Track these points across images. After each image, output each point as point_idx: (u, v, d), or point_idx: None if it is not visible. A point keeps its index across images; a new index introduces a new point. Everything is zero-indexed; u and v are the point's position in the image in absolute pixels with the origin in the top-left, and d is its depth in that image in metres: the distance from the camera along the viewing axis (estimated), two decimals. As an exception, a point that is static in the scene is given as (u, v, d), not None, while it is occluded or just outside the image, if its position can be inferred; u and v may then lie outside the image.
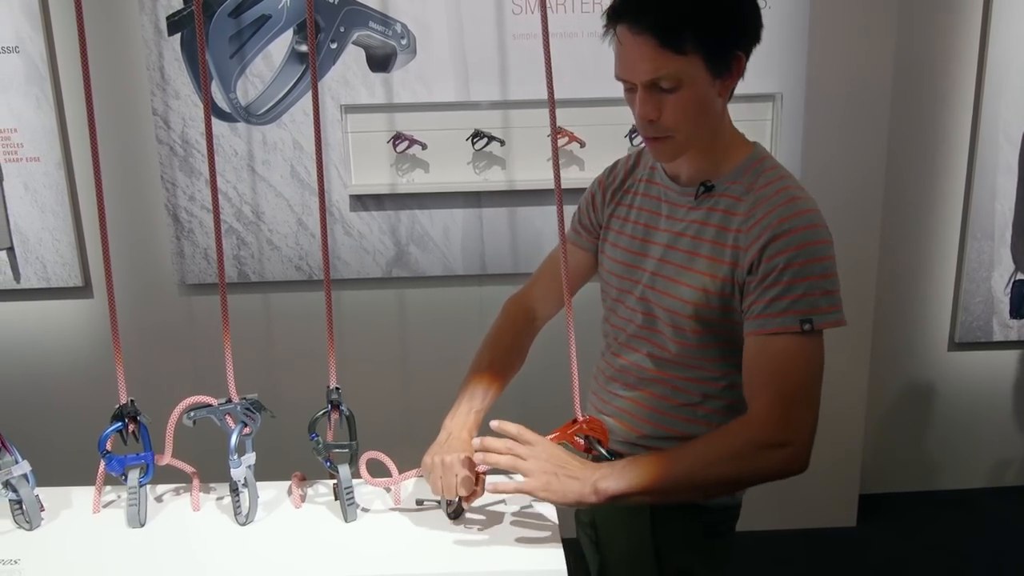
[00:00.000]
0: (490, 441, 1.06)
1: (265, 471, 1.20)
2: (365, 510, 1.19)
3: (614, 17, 1.02)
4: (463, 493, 1.11)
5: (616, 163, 1.30)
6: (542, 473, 1.01)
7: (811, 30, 2.13)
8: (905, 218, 2.53)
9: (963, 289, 2.60)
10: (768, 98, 2.15)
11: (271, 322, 2.31)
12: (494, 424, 1.09)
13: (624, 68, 1.03)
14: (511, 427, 1.07)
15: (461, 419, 1.19)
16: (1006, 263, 2.57)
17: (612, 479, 1.01)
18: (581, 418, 1.13)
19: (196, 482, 1.23)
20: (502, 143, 2.17)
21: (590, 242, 1.31)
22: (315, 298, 2.27)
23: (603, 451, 1.10)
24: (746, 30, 1.02)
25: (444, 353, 2.34)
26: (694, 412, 1.14)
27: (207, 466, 1.27)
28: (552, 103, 1.14)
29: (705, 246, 1.08)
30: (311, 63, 1.21)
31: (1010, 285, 2.59)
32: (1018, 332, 2.63)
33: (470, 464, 1.11)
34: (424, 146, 2.17)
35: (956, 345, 2.67)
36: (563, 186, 2.09)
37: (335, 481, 1.17)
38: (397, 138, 2.16)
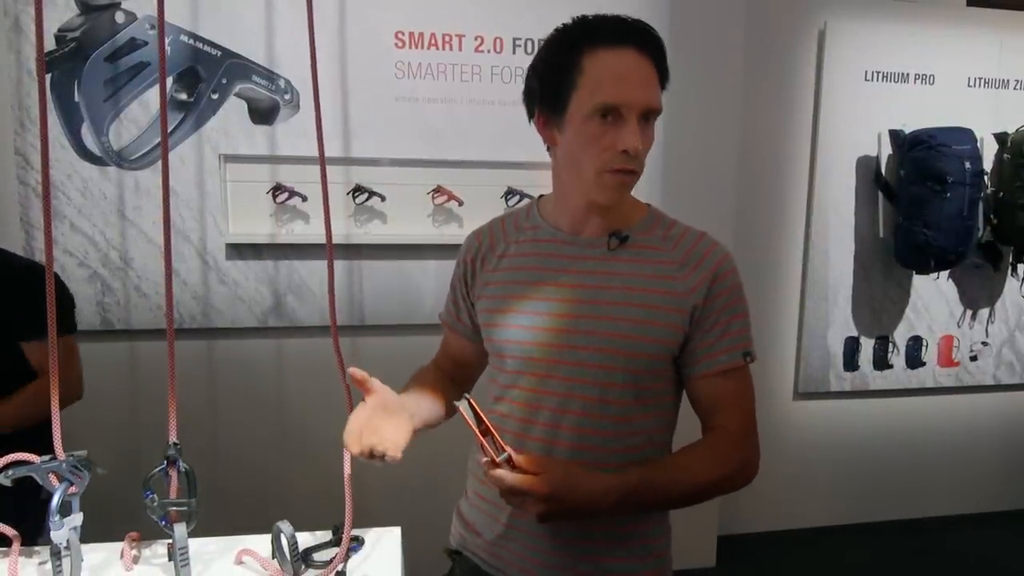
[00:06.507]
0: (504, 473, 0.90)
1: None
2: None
3: (613, 39, 0.95)
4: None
5: (476, 233, 1.21)
6: (556, 507, 0.90)
7: (667, 109, 2.35)
8: (752, 280, 2.77)
9: (804, 345, 2.88)
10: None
11: (136, 372, 2.22)
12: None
13: (626, 92, 0.95)
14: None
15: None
16: (840, 322, 2.88)
17: (626, 492, 0.96)
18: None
19: (16, 546, 1.14)
20: (383, 198, 2.24)
21: (475, 331, 1.20)
22: (183, 346, 2.20)
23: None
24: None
25: (320, 401, 2.33)
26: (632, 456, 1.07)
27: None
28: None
29: (638, 295, 1.04)
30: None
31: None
32: (851, 383, 2.94)
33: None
34: (304, 198, 2.19)
35: (799, 395, 2.93)
36: (441, 241, 2.22)
37: (170, 541, 1.11)
38: (277, 189, 2.18)
